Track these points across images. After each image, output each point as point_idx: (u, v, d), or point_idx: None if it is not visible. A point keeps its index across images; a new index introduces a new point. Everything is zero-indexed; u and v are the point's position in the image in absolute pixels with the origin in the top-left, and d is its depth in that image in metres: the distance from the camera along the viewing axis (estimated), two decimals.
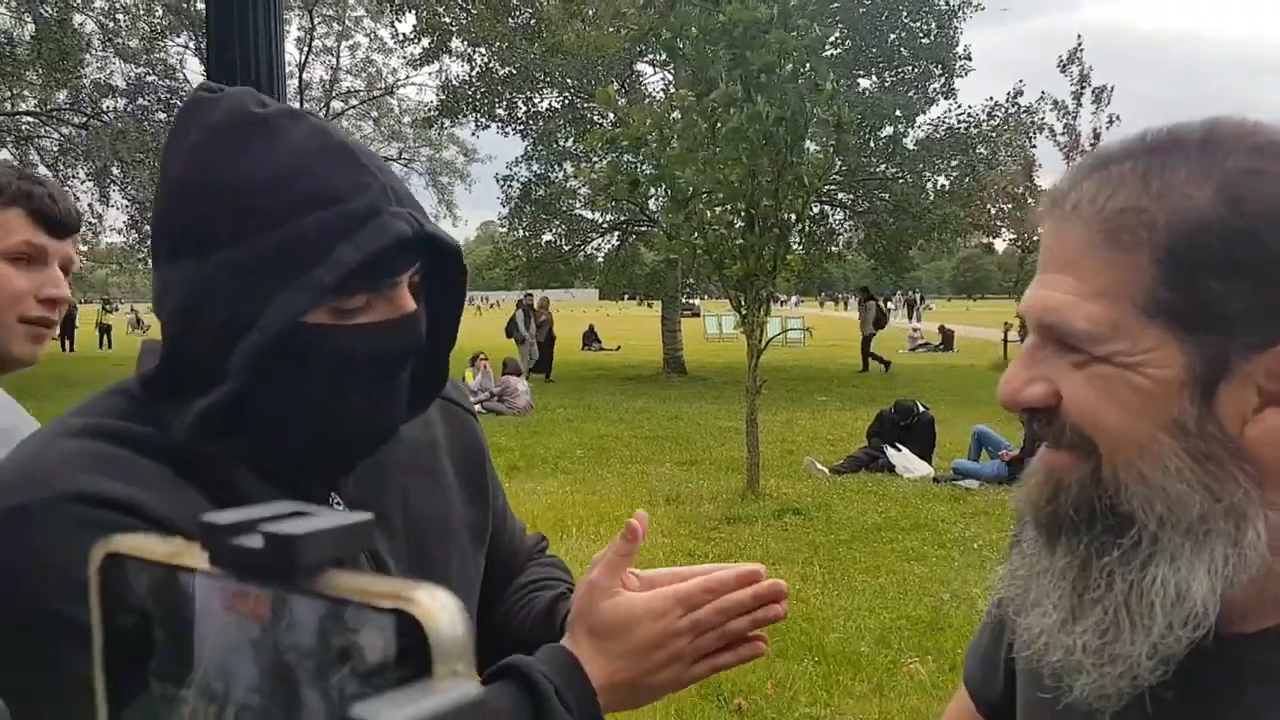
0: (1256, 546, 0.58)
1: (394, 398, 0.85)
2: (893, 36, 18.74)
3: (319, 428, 0.83)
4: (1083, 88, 17.69)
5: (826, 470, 8.60)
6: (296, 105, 0.85)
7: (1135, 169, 0.61)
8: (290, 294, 0.74)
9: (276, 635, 0.23)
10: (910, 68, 19.29)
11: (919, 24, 18.79)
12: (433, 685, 0.21)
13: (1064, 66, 17.79)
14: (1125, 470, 0.60)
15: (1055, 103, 17.88)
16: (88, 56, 19.89)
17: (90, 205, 21.09)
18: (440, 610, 0.22)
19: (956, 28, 19.10)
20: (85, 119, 20.18)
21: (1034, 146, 18.84)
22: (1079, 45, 17.73)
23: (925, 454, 8.87)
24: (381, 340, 0.81)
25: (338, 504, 0.89)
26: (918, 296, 44.67)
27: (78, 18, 19.63)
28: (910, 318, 36.10)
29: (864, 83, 18.84)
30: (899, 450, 8.83)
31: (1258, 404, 0.59)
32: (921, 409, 9.12)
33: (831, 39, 7.95)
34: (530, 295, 18.53)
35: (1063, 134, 19.02)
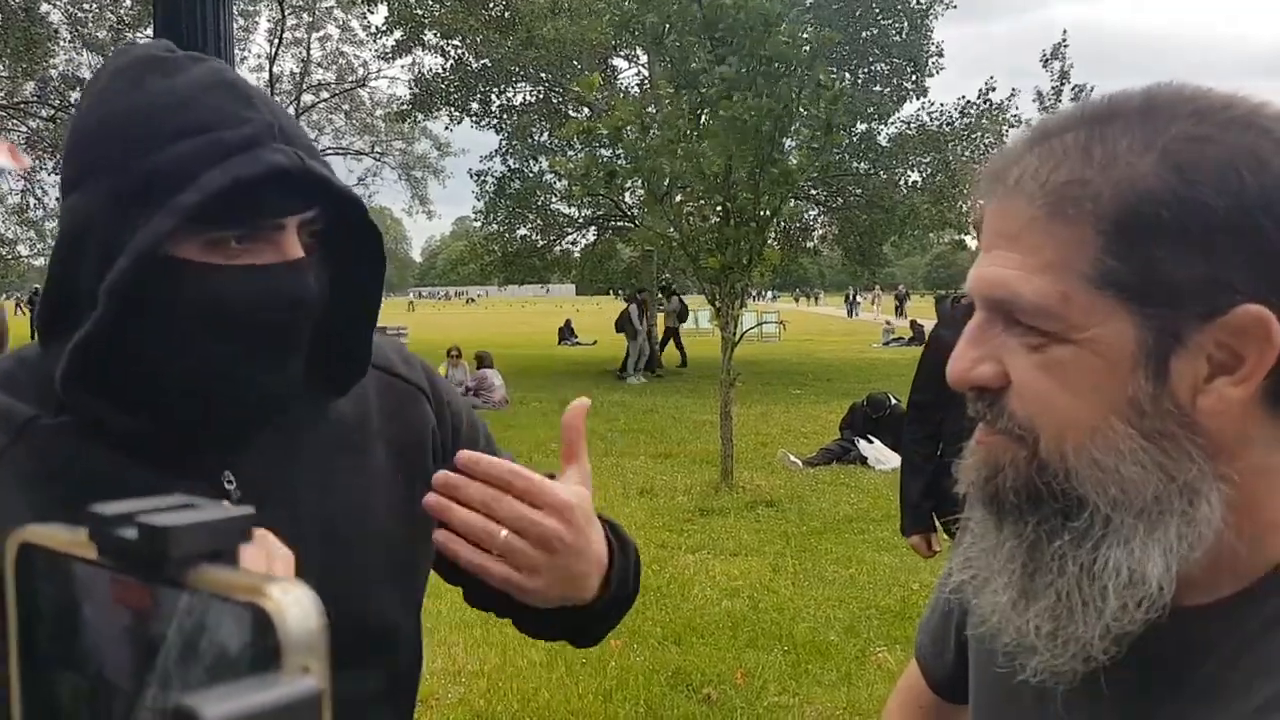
0: (1210, 520, 0.58)
1: (276, 357, 0.80)
2: (865, 34, 18.80)
3: (193, 381, 0.80)
4: (1063, 84, 17.81)
5: (800, 463, 8.65)
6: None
7: (1077, 140, 0.60)
8: (154, 220, 0.74)
9: (149, 626, 0.24)
10: (883, 65, 19.37)
11: (891, 21, 18.86)
12: (275, 679, 0.22)
13: (1046, 62, 17.87)
14: (1075, 455, 0.59)
15: (1039, 94, 17.95)
16: (55, 47, 19.59)
17: (58, 199, 20.75)
18: (292, 605, 0.22)
19: (929, 25, 19.20)
20: (53, 111, 19.88)
21: (1005, 143, 18.88)
22: (1063, 40, 17.83)
23: (897, 446, 8.93)
24: (256, 284, 0.77)
25: (230, 482, 0.85)
26: (905, 292, 44.79)
27: (44, 7, 19.33)
28: (898, 313, 36.22)
29: (830, 76, 18.82)
30: (871, 443, 8.90)
31: (1208, 373, 0.58)
32: (893, 402, 9.19)
33: (828, 42, 7.95)
34: (644, 291, 18.30)
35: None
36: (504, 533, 0.78)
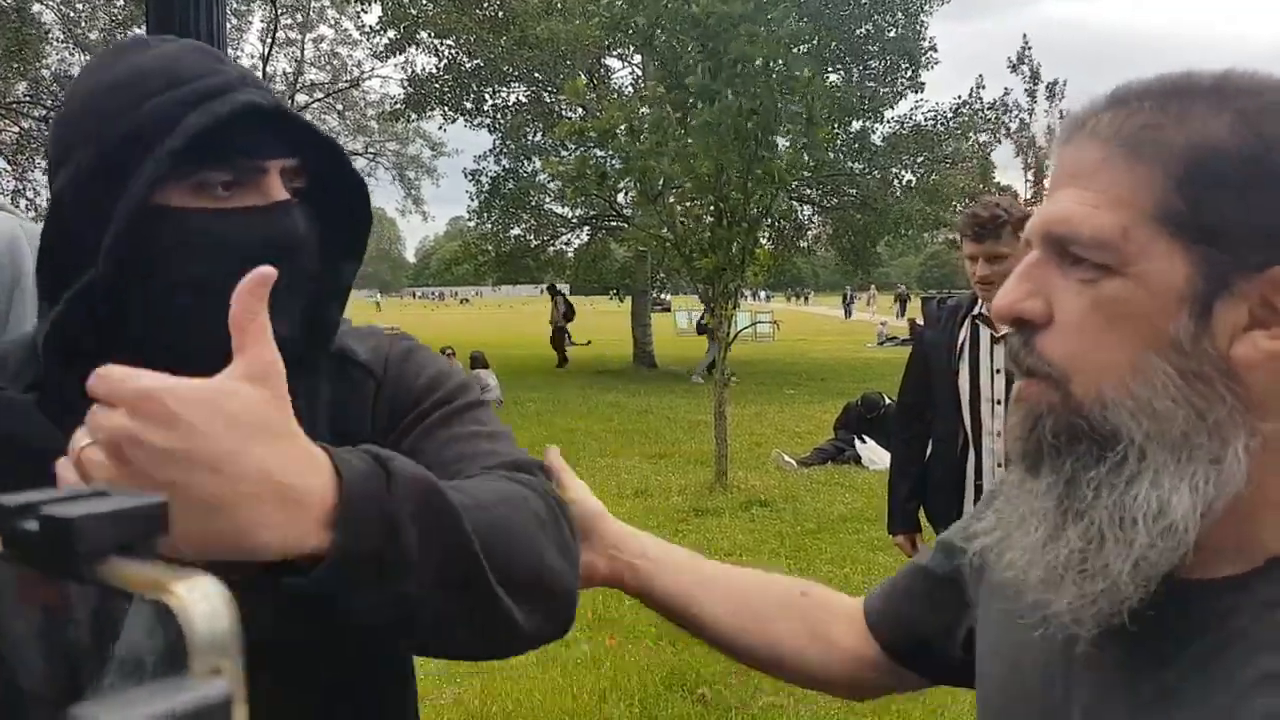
0: (1237, 470, 0.59)
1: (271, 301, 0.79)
2: (860, 31, 18.81)
3: (170, 329, 0.79)
4: (1035, 84, 17.90)
5: (794, 463, 8.64)
6: None
7: (1155, 98, 0.63)
8: (143, 168, 0.75)
9: (60, 624, 0.22)
10: (877, 62, 19.38)
11: (885, 17, 18.88)
12: (183, 682, 0.20)
13: (1014, 67, 17.97)
14: (1114, 389, 0.61)
15: (1005, 104, 18.03)
16: (47, 48, 19.52)
17: (49, 200, 20.70)
18: (199, 602, 0.20)
19: (923, 21, 19.22)
20: (45, 112, 19.81)
21: (999, 143, 18.99)
22: (1026, 45, 17.95)
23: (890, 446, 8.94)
24: (244, 224, 0.79)
25: None
26: (905, 293, 44.74)
27: (36, 7, 19.26)
28: (900, 314, 36.23)
29: (832, 77, 18.90)
30: (865, 442, 8.89)
31: (1247, 323, 0.60)
32: (887, 402, 9.18)
33: (803, 35, 7.95)
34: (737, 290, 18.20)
35: (1018, 131, 19.16)
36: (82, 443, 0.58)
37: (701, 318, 17.06)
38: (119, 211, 0.75)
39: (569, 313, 19.74)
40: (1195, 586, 0.63)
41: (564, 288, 18.18)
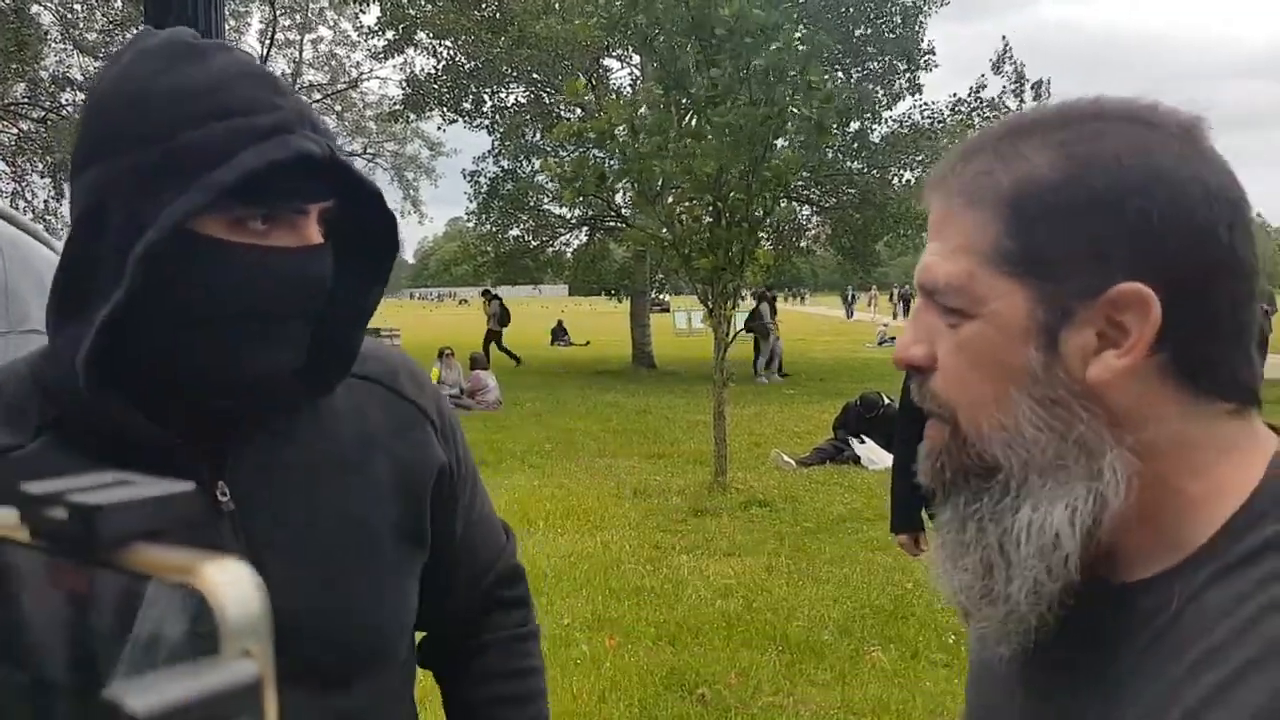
0: (1116, 484, 0.62)
1: (273, 343, 0.81)
2: (858, 32, 18.82)
3: (199, 360, 0.80)
4: (1021, 85, 17.91)
5: (793, 463, 8.64)
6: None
7: (993, 143, 0.67)
8: (188, 193, 0.75)
9: (88, 613, 0.22)
10: (875, 63, 19.38)
11: (884, 19, 18.89)
12: (213, 664, 0.20)
13: (997, 66, 17.97)
14: (987, 423, 0.65)
15: (993, 104, 18.02)
16: (45, 49, 19.50)
17: (46, 202, 20.69)
18: (229, 586, 0.21)
19: (921, 22, 19.23)
20: (44, 113, 19.80)
21: None
22: (1006, 46, 17.94)
23: (890, 446, 8.93)
24: (276, 264, 0.79)
25: (223, 494, 0.86)
26: (908, 292, 44.68)
27: (34, 8, 19.25)
28: (904, 314, 36.25)
29: (825, 78, 18.88)
30: (864, 442, 8.90)
31: (1097, 346, 0.63)
32: (887, 402, 9.19)
33: (818, 44, 8.01)
34: (773, 289, 18.16)
35: None
36: None
37: (750, 317, 16.96)
38: (156, 227, 0.74)
39: (504, 317, 19.78)
40: (1124, 589, 0.66)
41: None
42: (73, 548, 0.22)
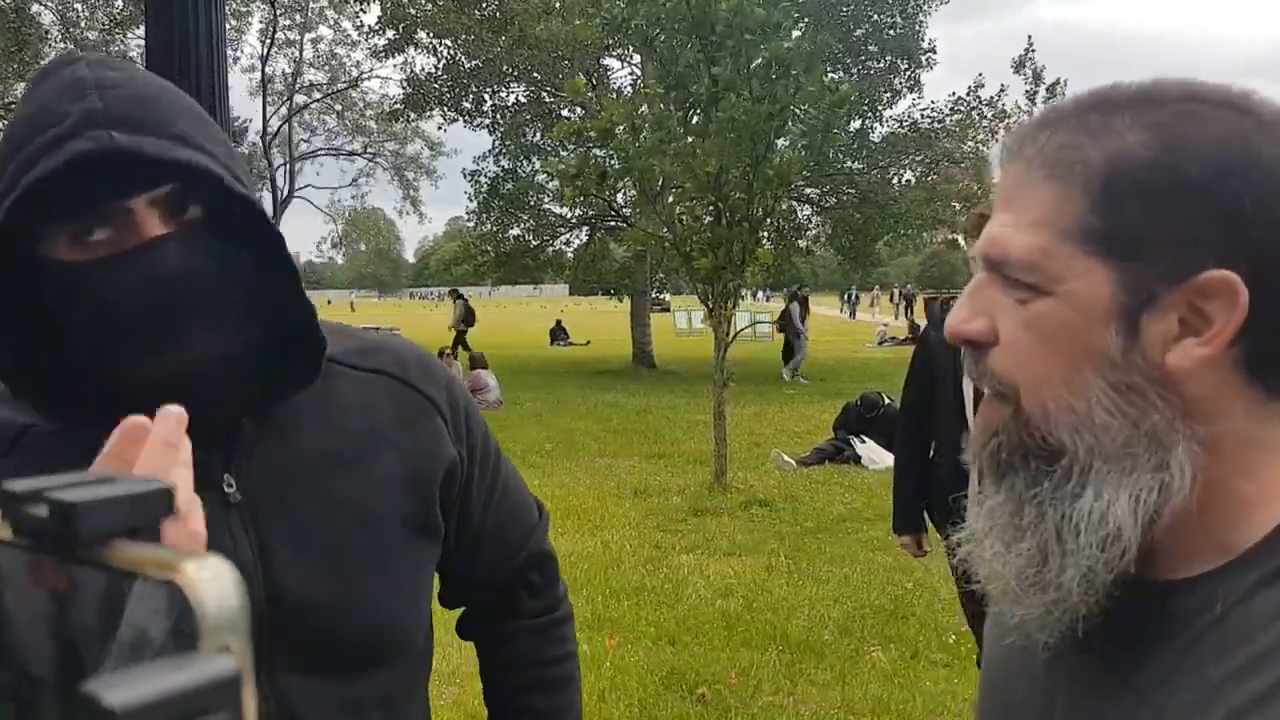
0: (1181, 476, 0.61)
1: (173, 338, 0.79)
2: (859, 31, 18.82)
3: (105, 378, 0.81)
4: (1037, 86, 17.96)
5: (793, 462, 8.64)
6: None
7: (1078, 115, 0.64)
8: None
9: (67, 608, 0.22)
10: (876, 62, 19.38)
11: (884, 17, 18.89)
12: (192, 659, 0.20)
13: (1018, 68, 18.00)
14: (1054, 404, 0.63)
15: (1002, 109, 18.07)
16: (46, 48, 19.50)
17: None
18: (209, 582, 0.21)
19: (922, 21, 19.22)
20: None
21: (997, 140, 19.03)
22: (1030, 46, 17.97)
23: (890, 446, 8.93)
24: (112, 271, 0.77)
25: (229, 486, 0.87)
26: (911, 293, 44.55)
27: (35, 8, 19.25)
28: (908, 313, 36.17)
29: (843, 86, 18.89)
30: (864, 442, 8.89)
31: (1178, 333, 0.61)
32: (887, 402, 9.19)
33: (820, 43, 8.03)
34: (805, 288, 18.13)
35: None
36: None
37: (781, 318, 16.87)
38: None
39: (468, 316, 19.84)
40: (1163, 588, 0.64)
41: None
42: (54, 545, 0.22)
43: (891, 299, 47.24)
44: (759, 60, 7.23)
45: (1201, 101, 0.62)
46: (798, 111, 7.46)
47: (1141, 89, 0.64)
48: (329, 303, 66.12)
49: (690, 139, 7.51)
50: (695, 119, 7.60)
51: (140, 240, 0.78)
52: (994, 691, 0.78)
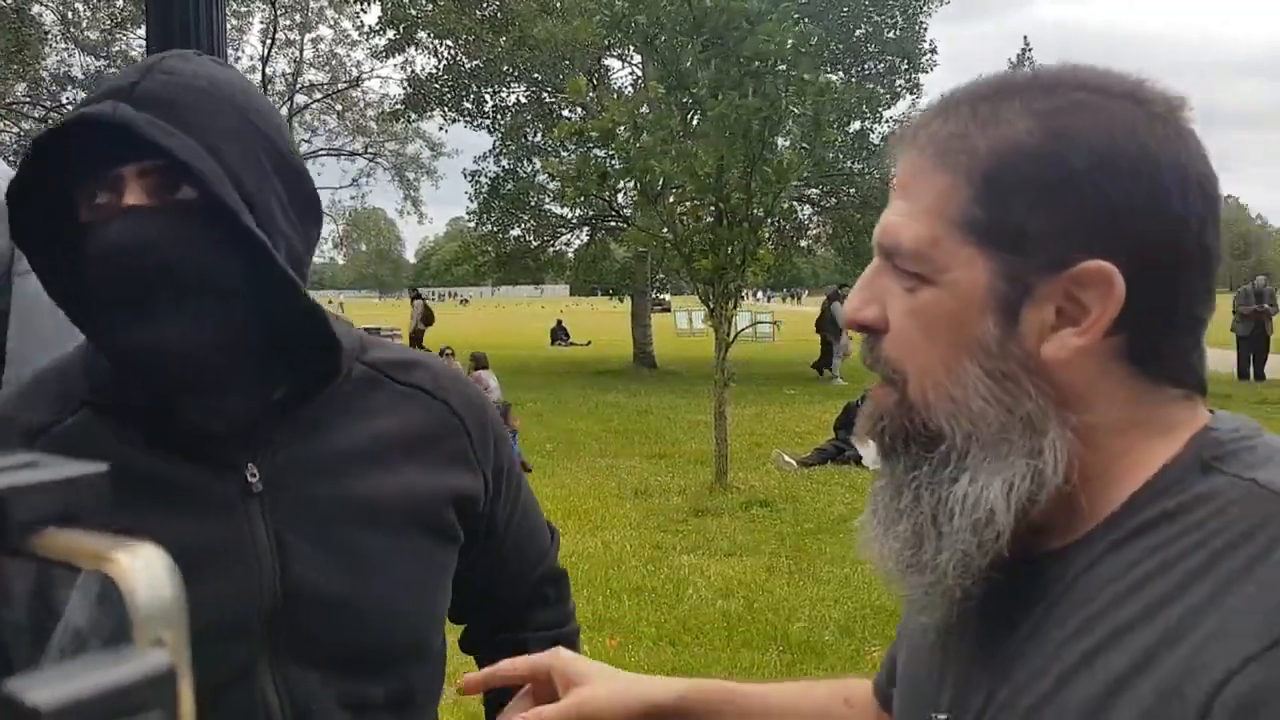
0: (1055, 462, 0.62)
1: (142, 312, 0.82)
2: (859, 31, 18.82)
3: (125, 341, 0.84)
4: None
5: (794, 463, 8.64)
6: None
7: (970, 104, 0.65)
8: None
9: None
10: (876, 63, 19.38)
11: (884, 17, 18.88)
12: (124, 655, 0.19)
13: (1015, 69, 18.03)
14: (934, 392, 0.64)
15: None
16: (47, 48, 19.51)
17: None
18: (141, 572, 0.20)
19: (922, 22, 19.22)
20: (45, 112, 19.80)
21: None
22: (1027, 46, 17.97)
23: None
24: (96, 233, 0.82)
25: (253, 475, 0.89)
26: None
27: (36, 8, 19.26)
28: None
29: (831, 78, 18.91)
30: (865, 443, 8.88)
31: (1055, 323, 0.62)
32: None
33: (809, 37, 8.01)
34: (845, 287, 18.18)
35: None
36: None
37: (820, 319, 16.80)
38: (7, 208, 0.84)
39: (427, 316, 19.89)
40: (1040, 558, 0.66)
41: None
42: None
43: None
44: (745, 53, 7.21)
45: (1095, 91, 0.62)
46: (794, 110, 7.44)
47: (1037, 76, 0.65)
48: (330, 302, 66.11)
49: (690, 139, 7.51)
50: (696, 119, 7.60)
51: (124, 205, 0.81)
52: (904, 670, 0.79)
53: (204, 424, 0.88)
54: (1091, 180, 0.60)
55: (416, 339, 19.28)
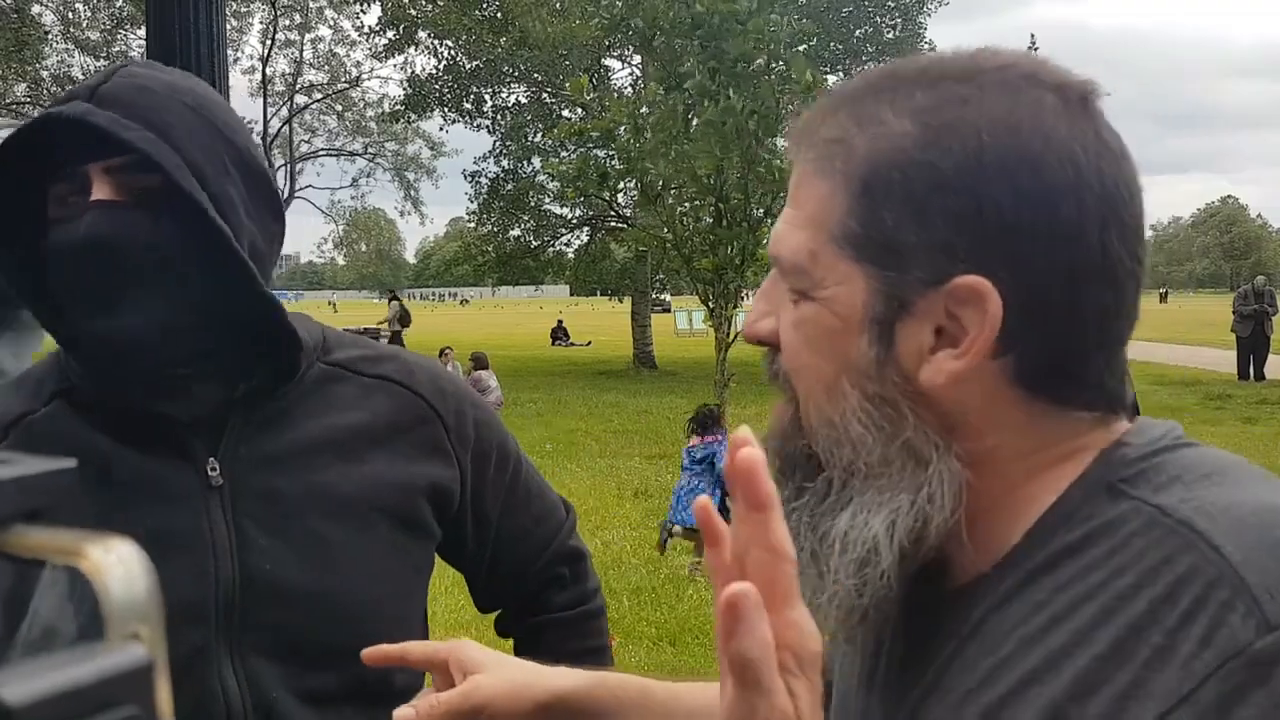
0: (940, 490, 0.57)
1: (110, 306, 0.84)
2: (859, 32, 18.83)
3: (64, 337, 0.88)
4: None
5: None
6: (224, 83, 0.93)
7: (854, 100, 0.59)
8: None
9: None
10: (876, 63, 19.39)
11: (885, 19, 18.90)
12: (98, 650, 0.19)
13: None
14: (816, 414, 0.60)
15: None
16: (46, 48, 19.52)
17: None
18: (115, 566, 0.19)
19: (921, 23, 19.24)
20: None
21: None
22: (1033, 43, 17.96)
23: None
24: (62, 229, 0.84)
25: (213, 469, 0.90)
26: None
27: (36, 8, 19.27)
28: None
29: (831, 79, 18.95)
30: None
31: (934, 344, 0.56)
32: None
33: (804, 36, 8.01)
34: None
35: None
36: None
37: None
38: None
39: (404, 317, 19.96)
40: (949, 595, 0.62)
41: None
42: None
43: None
44: (731, 54, 7.21)
45: (978, 81, 0.56)
46: (789, 109, 7.44)
47: (926, 65, 0.59)
48: (328, 303, 66.17)
49: (688, 141, 7.52)
50: (694, 120, 7.60)
51: (90, 201, 0.83)
52: (837, 701, 0.74)
53: (166, 417, 0.89)
54: (965, 186, 0.54)
55: (394, 341, 19.32)
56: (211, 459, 0.90)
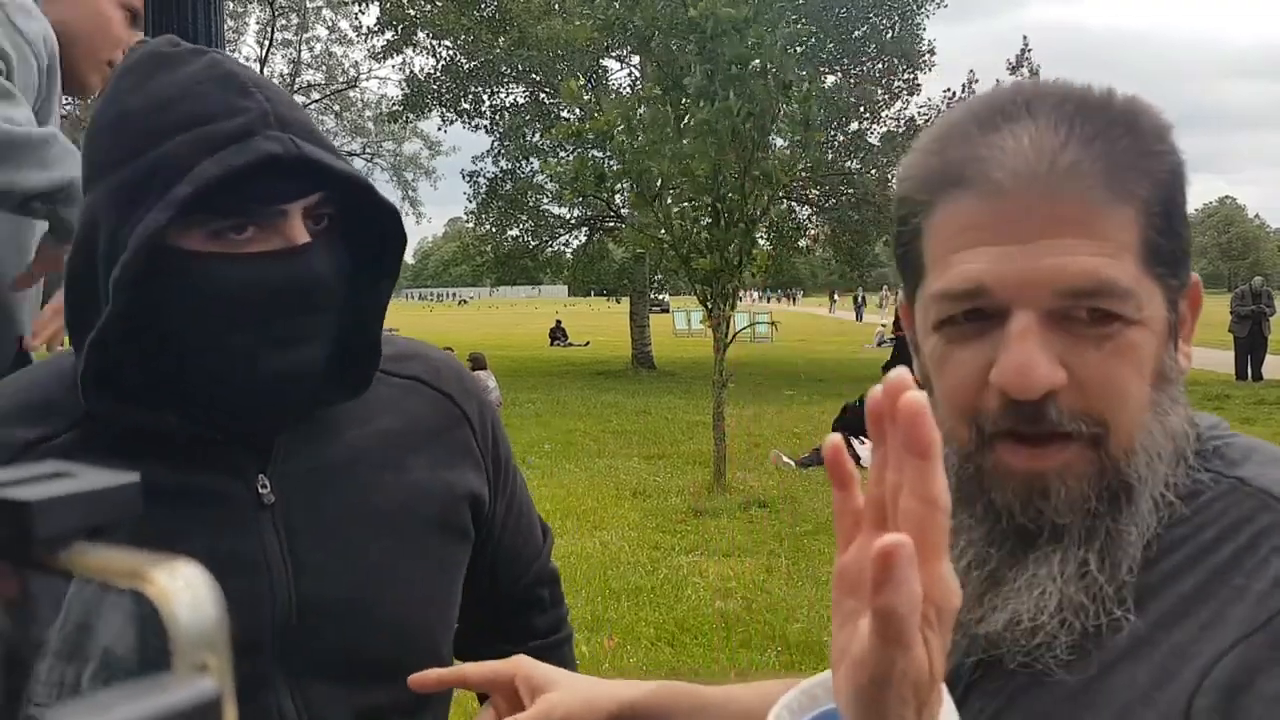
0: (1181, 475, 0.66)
1: (287, 344, 0.81)
2: (858, 32, 18.82)
3: (211, 374, 0.82)
4: None
5: (793, 463, 8.64)
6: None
7: (1114, 129, 0.62)
8: (154, 211, 0.75)
9: (19, 620, 0.20)
10: (874, 63, 19.38)
11: (883, 19, 18.89)
12: (165, 681, 0.18)
13: (1014, 69, 17.94)
14: (1138, 437, 0.63)
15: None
16: None
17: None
18: (181, 592, 0.18)
19: (920, 23, 19.22)
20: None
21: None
22: (1026, 46, 17.92)
23: None
24: (258, 270, 0.79)
25: (264, 486, 0.87)
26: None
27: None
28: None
29: (829, 79, 18.94)
30: (864, 442, 8.88)
31: (1181, 335, 0.66)
32: None
33: (800, 37, 8.01)
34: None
35: None
36: None
37: (896, 324, 16.80)
38: (129, 248, 0.75)
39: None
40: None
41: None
42: (6, 548, 0.20)
43: (896, 300, 47.38)
44: (728, 57, 7.21)
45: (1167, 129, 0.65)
46: (785, 110, 7.43)
47: (1127, 105, 0.65)
48: None
49: (684, 141, 7.51)
50: (691, 121, 7.60)
51: (287, 245, 0.80)
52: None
53: (225, 434, 0.86)
54: (1185, 196, 0.64)
55: None
56: (261, 475, 0.87)
